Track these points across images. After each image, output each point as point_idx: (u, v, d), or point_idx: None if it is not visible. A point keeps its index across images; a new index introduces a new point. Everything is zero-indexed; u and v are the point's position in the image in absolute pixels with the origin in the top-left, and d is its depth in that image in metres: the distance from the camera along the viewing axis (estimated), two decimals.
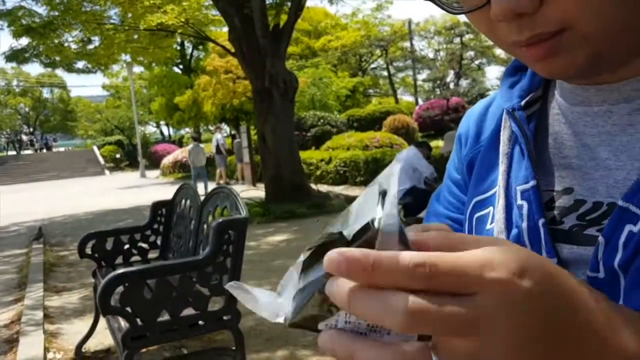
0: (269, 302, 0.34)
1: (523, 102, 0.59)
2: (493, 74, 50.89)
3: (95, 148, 39.06)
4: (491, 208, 0.60)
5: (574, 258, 0.51)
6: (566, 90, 0.56)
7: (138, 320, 2.35)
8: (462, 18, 0.48)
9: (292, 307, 0.33)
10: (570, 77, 0.51)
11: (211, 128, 28.17)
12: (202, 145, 15.39)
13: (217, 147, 16.26)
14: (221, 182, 15.63)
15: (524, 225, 0.54)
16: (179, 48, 26.57)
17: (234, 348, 2.60)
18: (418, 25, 34.12)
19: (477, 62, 31.67)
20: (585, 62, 0.46)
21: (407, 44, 32.35)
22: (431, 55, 35.20)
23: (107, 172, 32.07)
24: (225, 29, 11.45)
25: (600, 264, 0.47)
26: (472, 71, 29.67)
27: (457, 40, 30.43)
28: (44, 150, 49.85)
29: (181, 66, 29.93)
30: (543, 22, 0.44)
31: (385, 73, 35.87)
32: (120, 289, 2.32)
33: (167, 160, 23.91)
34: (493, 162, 0.62)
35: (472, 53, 30.32)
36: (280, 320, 0.33)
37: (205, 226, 3.06)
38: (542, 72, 0.49)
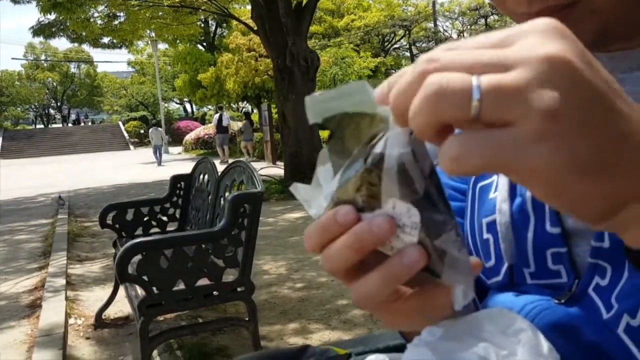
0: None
1: None
2: None
3: (120, 123, 39.52)
4: (495, 177, 0.60)
5: (578, 228, 0.52)
6: None
7: (154, 288, 2.42)
8: None
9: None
10: None
11: (233, 106, 28.22)
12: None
13: (221, 125, 16.73)
14: (225, 159, 15.97)
15: (528, 194, 0.55)
16: (202, 25, 26.53)
17: (247, 319, 2.67)
18: (442, 6, 33.55)
19: None
20: (592, 36, 0.46)
21: (430, 25, 31.81)
22: (455, 36, 34.56)
23: (131, 147, 32.48)
24: (249, 7, 11.41)
25: (605, 233, 0.48)
26: None
27: (482, 21, 29.84)
28: (79, 124, 51.41)
29: (205, 44, 29.93)
30: None
31: (407, 54, 35.37)
32: (137, 258, 2.39)
33: (189, 137, 24.13)
34: None
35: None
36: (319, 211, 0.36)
37: (222, 200, 3.12)
38: None
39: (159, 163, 18.44)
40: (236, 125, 20.55)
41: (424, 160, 0.34)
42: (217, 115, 17.70)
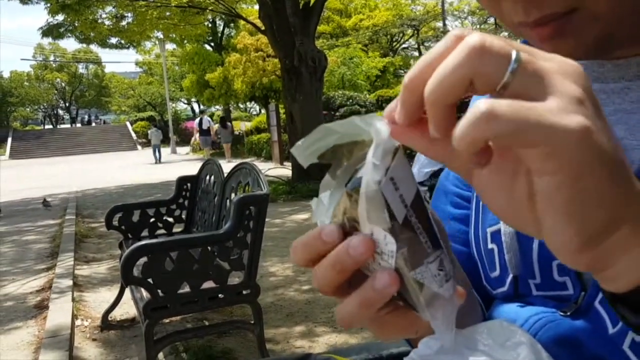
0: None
1: None
2: None
3: (128, 123, 39.72)
4: None
5: None
6: (581, 67, 0.55)
7: (159, 291, 2.41)
8: None
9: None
10: (579, 58, 0.49)
11: (241, 106, 28.28)
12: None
13: (202, 128, 18.51)
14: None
15: None
16: (210, 25, 26.61)
17: (252, 322, 2.65)
18: (452, 5, 33.44)
19: None
20: (594, 42, 0.45)
21: (439, 24, 31.70)
22: None
23: (139, 147, 32.64)
24: (256, 6, 11.41)
25: None
26: None
27: (491, 20, 29.72)
28: (90, 124, 52.42)
29: (212, 44, 30.01)
30: (552, 2, 0.42)
31: (416, 53, 35.32)
32: (143, 260, 2.38)
33: (197, 137, 24.20)
34: None
35: (506, 34, 29.58)
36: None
37: (228, 201, 3.10)
38: (549, 52, 0.49)
39: (159, 161, 19.96)
40: (243, 126, 20.66)
41: (406, 187, 0.33)
42: (197, 120, 19.74)
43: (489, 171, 0.32)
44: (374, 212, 0.33)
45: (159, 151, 20.41)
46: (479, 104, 0.28)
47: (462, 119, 0.29)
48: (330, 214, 0.36)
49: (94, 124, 51.80)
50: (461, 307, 0.38)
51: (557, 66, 0.30)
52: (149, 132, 22.55)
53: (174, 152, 24.73)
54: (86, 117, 61.57)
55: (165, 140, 28.61)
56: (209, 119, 19.75)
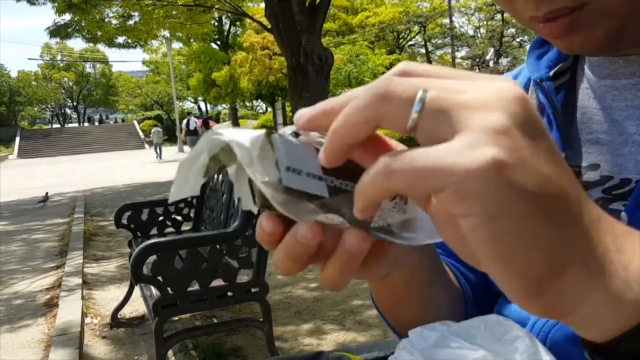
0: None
1: (551, 73, 0.58)
2: None
3: (135, 122, 39.86)
4: None
5: None
6: (594, 63, 0.55)
7: (169, 289, 2.42)
8: None
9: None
10: (590, 52, 0.49)
11: (247, 104, 28.31)
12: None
13: (189, 129, 19.60)
14: None
15: None
16: (216, 24, 26.64)
17: (261, 320, 2.66)
18: (458, 2, 33.27)
19: (518, 39, 30.75)
20: (605, 37, 0.45)
21: (446, 21, 31.59)
22: (471, 32, 34.36)
23: (146, 146, 32.75)
24: (262, 5, 11.41)
25: None
26: (513, 49, 28.86)
27: (498, 16, 29.59)
28: (102, 123, 53.11)
29: (218, 42, 30.05)
30: None
31: (423, 50, 35.23)
32: (152, 258, 2.39)
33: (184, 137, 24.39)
34: None
35: (513, 30, 29.44)
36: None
37: (236, 200, 3.11)
38: (562, 48, 0.48)
39: (160, 157, 21.40)
40: (250, 124, 20.78)
41: (306, 161, 0.32)
42: (185, 120, 20.84)
43: (430, 216, 0.31)
44: (297, 209, 0.32)
45: (160, 149, 22.03)
46: (379, 160, 0.28)
47: (362, 176, 0.29)
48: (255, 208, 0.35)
49: (111, 122, 52.24)
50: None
51: (474, 97, 0.27)
52: (152, 131, 24.09)
53: (181, 150, 24.81)
54: (97, 116, 62.50)
55: (173, 139, 28.78)
56: (195, 119, 20.68)
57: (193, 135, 19.63)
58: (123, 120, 50.06)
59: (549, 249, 0.27)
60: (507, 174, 0.25)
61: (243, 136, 0.31)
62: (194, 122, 20.24)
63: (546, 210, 0.26)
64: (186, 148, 25.60)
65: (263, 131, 0.32)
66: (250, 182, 0.34)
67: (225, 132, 0.32)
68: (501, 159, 0.25)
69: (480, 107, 0.27)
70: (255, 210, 0.36)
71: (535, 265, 0.27)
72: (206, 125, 19.83)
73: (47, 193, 9.89)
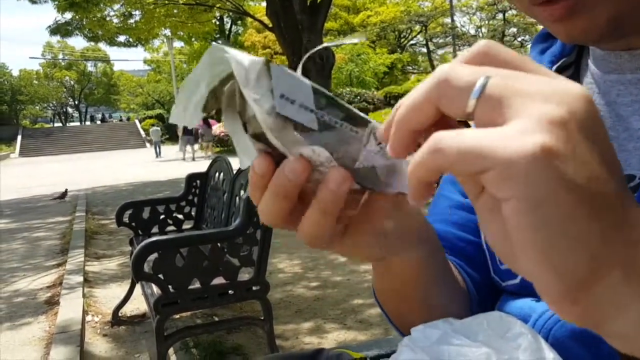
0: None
1: (554, 68, 0.57)
2: None
3: (136, 121, 39.88)
4: None
5: None
6: (598, 58, 0.54)
7: (170, 287, 2.42)
8: None
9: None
10: (591, 40, 0.48)
11: None
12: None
13: (185, 127, 18.38)
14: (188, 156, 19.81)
15: None
16: (217, 23, 26.64)
17: (262, 318, 2.66)
18: (460, 1, 33.24)
19: (519, 39, 30.70)
20: (606, 23, 0.44)
21: (447, 20, 31.57)
22: (472, 31, 34.32)
23: (147, 145, 32.75)
24: (264, 4, 11.41)
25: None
26: (515, 48, 28.82)
27: (500, 16, 29.56)
28: (105, 122, 53.41)
29: (220, 41, 30.08)
30: None
31: (424, 50, 35.20)
32: (153, 256, 2.40)
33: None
34: None
35: (514, 30, 29.40)
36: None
37: (237, 198, 3.11)
38: (561, 35, 0.47)
39: (159, 155, 22.37)
40: None
41: (301, 93, 0.32)
42: None
43: (477, 208, 0.30)
44: (286, 137, 0.32)
45: (159, 147, 23.05)
46: (429, 138, 0.28)
47: (415, 154, 0.29)
48: (254, 152, 0.35)
49: (114, 121, 52.45)
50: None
51: (537, 89, 0.27)
52: (150, 130, 25.02)
53: (181, 149, 24.82)
54: (99, 115, 63.08)
55: (174, 138, 28.82)
56: None
57: (189, 135, 20.14)
58: (128, 119, 50.26)
59: (590, 247, 0.26)
60: (557, 163, 0.25)
61: (243, 57, 0.32)
62: None
63: (592, 207, 0.26)
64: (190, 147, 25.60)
65: (262, 58, 0.32)
66: (243, 114, 0.34)
67: (229, 50, 0.32)
68: (552, 147, 0.25)
69: (541, 99, 0.27)
70: (249, 163, 0.36)
71: (575, 261, 0.26)
72: (207, 124, 20.12)
73: (66, 190, 9.91)
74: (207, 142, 20.51)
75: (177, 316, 3.21)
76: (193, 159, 19.07)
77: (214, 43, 0.34)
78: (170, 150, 25.16)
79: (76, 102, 56.45)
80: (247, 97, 0.31)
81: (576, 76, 0.58)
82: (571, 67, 0.58)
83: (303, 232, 0.37)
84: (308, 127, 0.32)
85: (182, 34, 20.09)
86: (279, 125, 0.32)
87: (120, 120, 55.24)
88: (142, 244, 2.37)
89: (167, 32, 18.62)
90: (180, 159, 19.67)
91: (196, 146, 25.56)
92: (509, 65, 0.30)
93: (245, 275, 2.61)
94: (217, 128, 23.63)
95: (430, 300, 0.56)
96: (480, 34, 33.13)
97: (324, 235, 0.36)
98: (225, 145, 21.43)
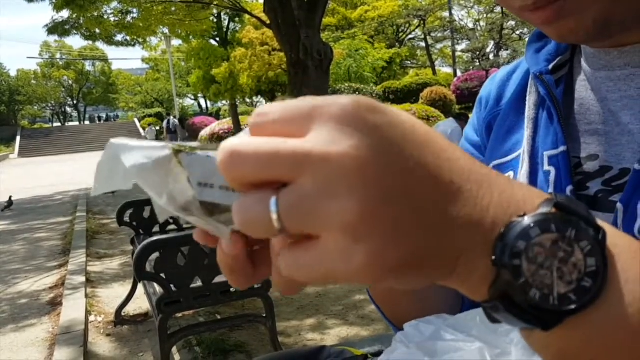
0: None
1: (550, 66, 0.58)
2: None
3: (136, 120, 39.85)
4: (511, 172, 0.59)
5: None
6: (589, 55, 0.55)
7: (172, 286, 2.43)
8: None
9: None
10: (580, 40, 0.50)
11: (247, 100, 28.29)
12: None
13: (169, 128, 21.47)
14: None
15: (550, 191, 0.53)
16: (215, 20, 26.59)
17: (264, 315, 2.67)
18: None
19: (518, 32, 30.62)
20: (593, 25, 0.45)
21: (446, 14, 31.49)
22: (471, 25, 34.24)
23: None
24: (261, 0, 11.39)
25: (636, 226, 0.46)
26: (513, 42, 28.76)
27: (498, 9, 29.46)
28: (108, 121, 53.80)
29: (218, 39, 30.00)
30: None
31: (423, 44, 35.14)
32: (155, 255, 2.40)
33: (204, 133, 24.26)
34: (513, 126, 0.61)
35: (513, 23, 29.29)
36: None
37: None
38: (553, 36, 0.49)
39: None
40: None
41: (217, 176, 0.31)
42: (165, 121, 22.70)
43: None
44: (217, 221, 0.32)
45: None
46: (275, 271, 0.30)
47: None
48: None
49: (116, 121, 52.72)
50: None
51: (317, 183, 0.26)
52: (146, 130, 25.75)
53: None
54: (103, 115, 63.73)
55: (173, 137, 28.85)
56: (175, 120, 22.62)
57: (172, 133, 21.21)
58: (117, 118, 50.33)
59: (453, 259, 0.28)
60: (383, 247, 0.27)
61: (144, 157, 0.31)
62: (173, 124, 21.99)
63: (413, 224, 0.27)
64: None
65: (169, 151, 0.32)
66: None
67: (125, 155, 0.32)
68: (373, 251, 0.26)
69: (325, 202, 0.26)
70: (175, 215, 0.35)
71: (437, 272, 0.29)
72: (182, 125, 21.82)
73: (10, 197, 9.41)
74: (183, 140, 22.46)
75: (180, 315, 3.23)
76: None
77: (111, 141, 0.33)
78: None
79: (75, 102, 56.34)
80: (162, 201, 0.32)
81: (571, 74, 0.59)
82: (566, 66, 0.59)
83: (276, 286, 0.36)
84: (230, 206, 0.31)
85: (180, 32, 20.00)
86: (203, 212, 0.31)
87: (107, 119, 55.66)
88: (144, 243, 2.38)
89: (165, 30, 18.58)
90: None
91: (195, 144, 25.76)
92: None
93: None
94: (217, 125, 23.64)
95: (424, 297, 0.57)
96: (479, 28, 33.05)
97: (292, 283, 0.34)
98: None
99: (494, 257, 0.28)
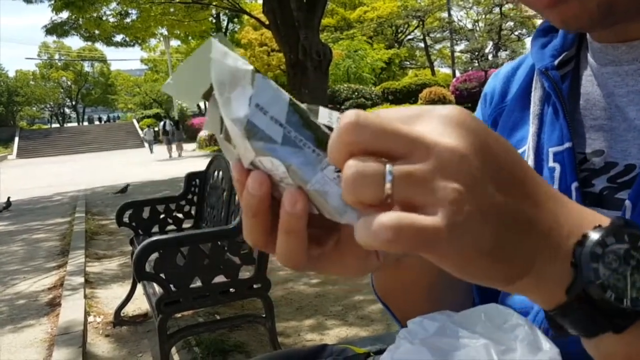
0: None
1: (556, 62, 0.57)
2: None
3: (134, 121, 39.84)
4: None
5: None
6: (596, 50, 0.54)
7: (171, 286, 2.42)
8: None
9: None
10: (585, 26, 0.49)
11: None
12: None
13: (165, 130, 22.56)
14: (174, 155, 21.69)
15: (555, 187, 0.52)
16: (214, 21, 26.60)
17: (264, 315, 2.66)
18: None
19: (516, 32, 30.67)
20: (597, 9, 0.45)
21: (444, 15, 31.52)
22: (469, 25, 34.26)
23: (145, 144, 32.74)
24: (260, 1, 11.39)
25: None
26: (512, 42, 28.79)
27: (497, 10, 29.48)
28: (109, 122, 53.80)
29: (218, 36, 30.05)
30: None
31: (421, 44, 35.16)
32: (154, 256, 2.40)
33: (203, 134, 24.28)
34: (518, 122, 0.60)
35: (511, 23, 29.34)
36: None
37: (236, 197, 3.11)
38: (555, 21, 0.48)
39: (152, 152, 24.74)
40: None
41: (276, 106, 0.33)
42: (162, 123, 23.75)
43: None
44: (252, 143, 0.32)
45: (152, 146, 25.57)
46: (360, 225, 0.30)
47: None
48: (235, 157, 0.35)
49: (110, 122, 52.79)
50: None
51: (430, 164, 0.29)
52: (144, 131, 26.80)
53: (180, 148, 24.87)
54: (105, 116, 63.96)
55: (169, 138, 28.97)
56: (171, 122, 23.47)
57: (166, 135, 22.22)
58: (108, 120, 50.39)
59: (531, 257, 0.32)
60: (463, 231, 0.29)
61: (232, 62, 0.33)
62: (169, 125, 22.86)
63: (501, 229, 0.31)
64: (188, 146, 25.62)
65: (252, 67, 0.34)
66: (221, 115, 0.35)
67: (219, 54, 0.33)
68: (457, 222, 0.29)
69: (443, 174, 0.29)
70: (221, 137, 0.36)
71: (517, 267, 0.32)
72: (178, 127, 22.64)
73: (8, 198, 9.42)
74: (178, 142, 22.22)
75: (179, 315, 3.22)
76: (179, 156, 20.94)
77: (213, 37, 0.35)
78: (164, 149, 25.23)
79: (73, 103, 56.33)
80: (225, 97, 0.32)
81: (577, 70, 0.58)
82: (572, 61, 0.58)
83: (277, 254, 0.36)
84: (272, 139, 0.33)
85: (178, 32, 20.05)
86: (246, 133, 0.32)
87: (108, 121, 55.64)
88: (143, 243, 2.37)
89: (164, 30, 18.60)
90: (183, 157, 19.72)
91: (194, 145, 25.72)
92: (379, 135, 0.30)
93: (246, 273, 2.61)
94: None
95: (434, 294, 0.56)
96: (478, 28, 33.07)
97: (296, 257, 0.35)
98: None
99: (573, 260, 0.32)
